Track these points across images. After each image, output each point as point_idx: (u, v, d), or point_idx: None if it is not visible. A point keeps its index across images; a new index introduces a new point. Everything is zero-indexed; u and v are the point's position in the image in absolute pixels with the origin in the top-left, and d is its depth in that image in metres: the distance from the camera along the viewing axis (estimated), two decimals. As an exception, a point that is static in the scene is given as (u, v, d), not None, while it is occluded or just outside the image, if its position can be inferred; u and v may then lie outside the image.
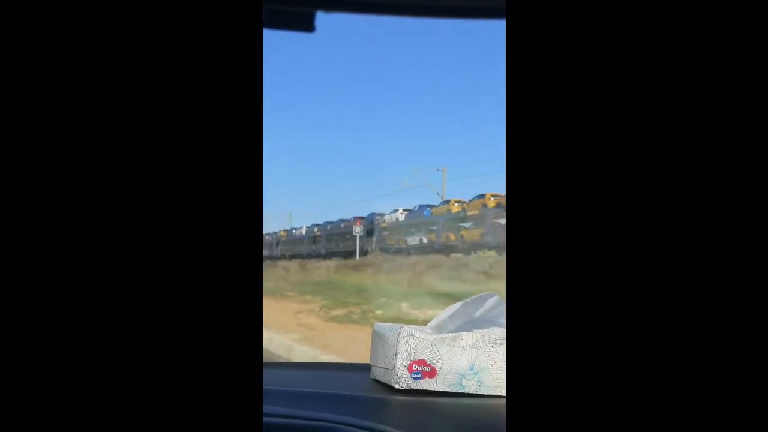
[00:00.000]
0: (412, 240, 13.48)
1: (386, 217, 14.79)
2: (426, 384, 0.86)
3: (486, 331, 0.88)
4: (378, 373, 0.93)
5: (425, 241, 13.12)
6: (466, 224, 12.38)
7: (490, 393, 0.86)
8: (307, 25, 0.47)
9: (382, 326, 0.95)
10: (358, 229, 14.10)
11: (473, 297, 0.97)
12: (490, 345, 0.87)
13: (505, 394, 0.86)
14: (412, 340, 0.87)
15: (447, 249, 12.29)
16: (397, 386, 0.86)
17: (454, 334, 0.87)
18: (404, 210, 14.56)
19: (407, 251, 12.97)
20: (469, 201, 12.74)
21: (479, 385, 0.86)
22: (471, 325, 0.92)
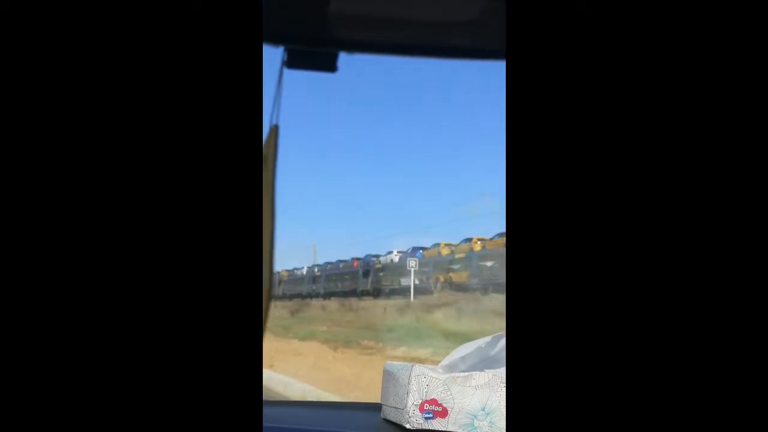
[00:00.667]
0: (405, 281, 14.08)
1: (381, 259, 15.56)
2: (437, 424, 0.85)
3: (498, 370, 0.87)
4: (389, 413, 0.92)
5: (417, 282, 13.74)
6: (455, 266, 13.22)
7: None
8: (330, 66, 0.49)
9: (394, 365, 0.94)
10: (413, 263, 14.18)
11: (487, 337, 0.97)
12: (502, 385, 0.86)
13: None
14: (423, 379, 0.86)
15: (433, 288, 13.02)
16: (408, 426, 0.85)
17: (466, 374, 0.87)
18: (398, 252, 15.42)
19: (406, 291, 13.51)
20: (457, 244, 13.73)
21: (491, 426, 0.85)
22: (483, 364, 0.92)
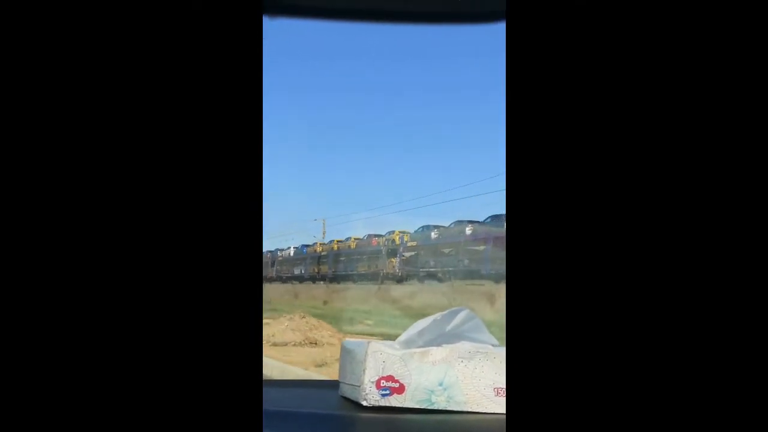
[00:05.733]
0: (297, 270, 19.31)
1: (283, 252, 20.70)
2: (394, 400, 0.84)
3: (455, 345, 0.87)
4: (346, 390, 0.91)
5: (303, 272, 18.96)
6: (323, 260, 18.45)
7: (460, 409, 0.84)
8: None
9: (351, 342, 0.93)
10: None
11: (443, 312, 0.96)
12: (460, 360, 0.85)
13: (474, 410, 0.84)
14: (379, 356, 0.85)
15: (312, 278, 18.20)
16: (364, 403, 0.84)
17: (423, 349, 0.86)
18: (294, 247, 20.57)
19: (299, 278, 18.81)
20: (326, 243, 18.83)
21: (449, 401, 0.84)
22: (441, 339, 0.91)
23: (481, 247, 13.09)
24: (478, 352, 0.86)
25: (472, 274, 12.73)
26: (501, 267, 11.97)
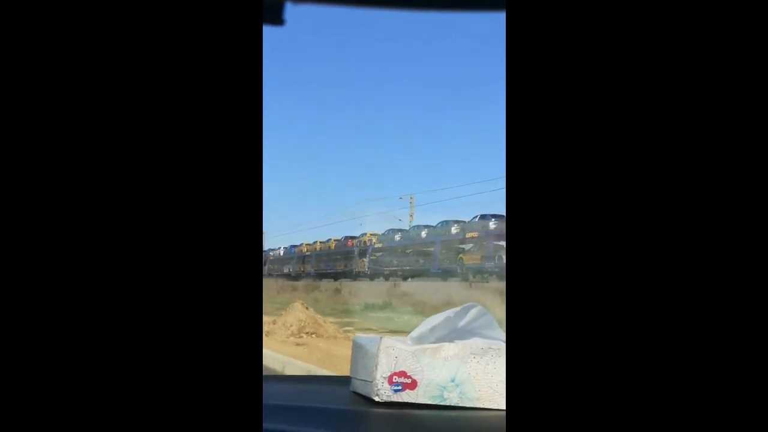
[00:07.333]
0: (286, 269, 22.52)
1: (274, 252, 23.48)
2: (407, 396, 0.84)
3: (468, 342, 0.87)
4: (358, 386, 0.91)
5: (291, 270, 22.09)
6: (309, 260, 21.56)
7: (472, 405, 0.84)
8: (276, 18, 0.46)
9: (363, 338, 0.93)
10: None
11: (456, 308, 0.96)
12: (472, 356, 0.85)
13: (487, 407, 0.84)
14: (392, 351, 0.85)
15: (298, 275, 21.33)
16: (376, 398, 0.84)
17: (435, 345, 0.86)
18: (284, 247, 23.63)
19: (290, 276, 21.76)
20: (311, 244, 21.94)
21: (461, 397, 0.84)
22: (453, 335, 0.91)
23: (431, 249, 16.36)
24: (490, 348, 0.86)
25: (424, 273, 15.64)
26: (448, 265, 15.40)
